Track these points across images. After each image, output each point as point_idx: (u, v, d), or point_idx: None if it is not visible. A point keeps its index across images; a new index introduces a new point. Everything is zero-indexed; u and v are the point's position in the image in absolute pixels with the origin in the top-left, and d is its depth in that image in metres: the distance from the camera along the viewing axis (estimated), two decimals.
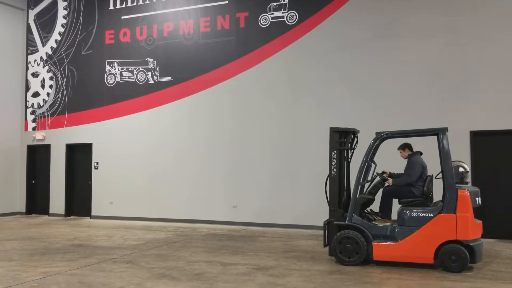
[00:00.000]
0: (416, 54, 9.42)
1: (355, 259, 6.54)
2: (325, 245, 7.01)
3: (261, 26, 10.82)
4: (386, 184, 7.06)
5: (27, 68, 13.93)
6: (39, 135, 13.55)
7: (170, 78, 11.89)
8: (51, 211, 13.27)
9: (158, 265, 6.72)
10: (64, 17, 13.43)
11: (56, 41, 13.50)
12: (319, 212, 9.99)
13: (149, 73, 12.16)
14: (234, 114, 11.06)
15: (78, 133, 12.99)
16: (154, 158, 11.93)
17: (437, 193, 7.36)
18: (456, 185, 6.33)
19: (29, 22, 14.00)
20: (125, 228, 10.63)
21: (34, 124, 13.72)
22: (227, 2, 11.22)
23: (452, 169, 6.32)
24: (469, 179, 6.78)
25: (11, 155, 13.58)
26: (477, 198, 6.40)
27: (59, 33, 13.47)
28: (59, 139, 13.29)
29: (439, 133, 6.48)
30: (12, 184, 13.55)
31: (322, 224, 7.08)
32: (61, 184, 13.14)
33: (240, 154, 10.94)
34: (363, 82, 9.83)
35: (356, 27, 9.92)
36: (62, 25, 13.43)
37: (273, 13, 10.68)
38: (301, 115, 10.35)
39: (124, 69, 12.50)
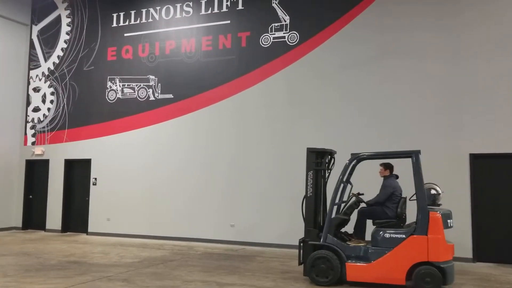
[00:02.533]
0: (416, 75, 9.49)
1: (329, 279, 6.55)
2: (299, 264, 7.05)
3: (263, 45, 10.92)
4: (361, 205, 7.14)
5: (28, 83, 14.00)
6: (38, 150, 13.53)
7: (171, 95, 11.93)
8: (47, 226, 13.16)
9: (154, 284, 6.63)
10: (67, 33, 13.55)
11: (58, 56, 13.59)
12: None
13: (150, 90, 12.21)
14: (234, 132, 11.07)
15: (77, 149, 12.97)
16: (152, 175, 11.89)
17: (412, 215, 7.24)
18: (429, 207, 6.41)
19: (32, 38, 14.12)
20: (121, 245, 10.52)
21: (33, 139, 13.71)
22: (229, 22, 11.34)
23: (424, 191, 6.39)
24: (441, 201, 6.78)
25: (9, 169, 13.53)
26: (449, 220, 6.44)
27: (62, 49, 13.57)
28: (58, 154, 13.26)
29: (412, 155, 6.55)
30: (9, 198, 13.47)
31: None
32: (59, 199, 13.06)
33: (239, 172, 10.91)
34: (363, 102, 9.87)
35: (358, 47, 10.01)
36: (65, 41, 13.54)
37: (275, 33, 10.79)
38: (302, 134, 10.36)
39: (126, 86, 12.56)
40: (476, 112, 8.99)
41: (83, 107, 13.05)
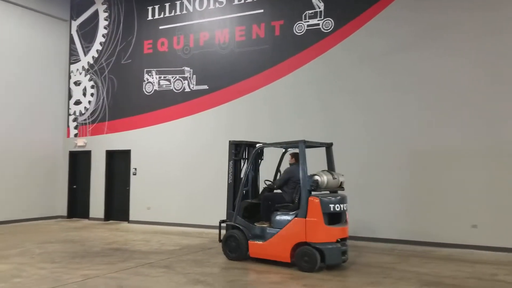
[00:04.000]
0: (457, 59, 9.21)
1: (237, 255, 7.47)
2: (219, 241, 7.95)
3: (296, 34, 10.86)
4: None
5: (69, 77, 14.49)
6: (80, 141, 14.05)
7: (206, 87, 12.08)
8: (91, 215, 13.70)
9: (193, 270, 6.82)
10: (105, 28, 13.91)
11: (97, 50, 13.99)
12: (361, 224, 9.88)
13: (186, 82, 12.40)
14: (269, 122, 11.11)
15: (118, 140, 13.37)
16: (190, 165, 12.12)
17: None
18: (315, 192, 6.96)
19: (71, 33, 14.57)
20: (162, 233, 10.83)
21: (76, 131, 14.23)
22: (262, 10, 11.33)
23: (306, 177, 6.91)
24: (326, 186, 7.05)
25: (54, 161, 14.12)
26: (331, 205, 6.81)
27: (100, 43, 13.95)
28: (99, 145, 13.72)
29: (299, 145, 7.12)
30: (54, 188, 14.07)
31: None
32: (101, 189, 13.55)
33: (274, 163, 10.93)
34: (399, 91, 9.68)
35: (394, 34, 9.79)
36: (103, 35, 13.91)
37: (309, 21, 10.70)
38: (336, 123, 10.28)
39: (162, 78, 12.80)
40: None
41: (122, 99, 13.41)
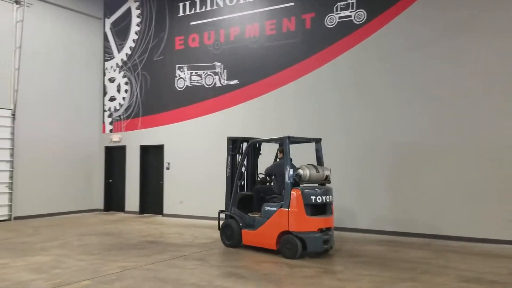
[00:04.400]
0: (492, 55, 8.90)
1: (232, 242, 8.10)
2: (218, 229, 8.52)
3: (328, 26, 10.74)
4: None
5: (104, 74, 14.84)
6: (115, 137, 14.39)
7: (236, 81, 12.13)
8: (126, 208, 14.04)
9: (227, 263, 6.90)
10: (137, 25, 14.15)
11: (130, 47, 14.26)
12: (389, 217, 9.75)
13: (216, 77, 12.49)
14: (299, 116, 11.06)
15: (151, 135, 13.62)
16: (221, 159, 12.19)
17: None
18: (298, 186, 7.35)
19: (105, 31, 14.90)
20: (195, 227, 10.99)
21: (111, 127, 14.59)
22: (293, 4, 11.25)
23: (288, 172, 7.33)
24: (309, 179, 7.44)
25: (91, 156, 14.53)
26: (312, 197, 7.22)
27: (133, 40, 14.21)
28: (133, 140, 14.02)
29: (283, 141, 7.62)
30: (92, 183, 14.49)
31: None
32: (136, 183, 13.86)
33: (306, 157, 10.86)
34: (433, 84, 9.43)
35: (428, 25, 9.54)
36: (136, 33, 14.16)
37: (340, 13, 10.57)
38: (368, 117, 10.14)
39: (193, 73, 12.94)
40: None
41: (155, 95, 13.64)
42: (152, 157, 13.77)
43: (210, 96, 12.55)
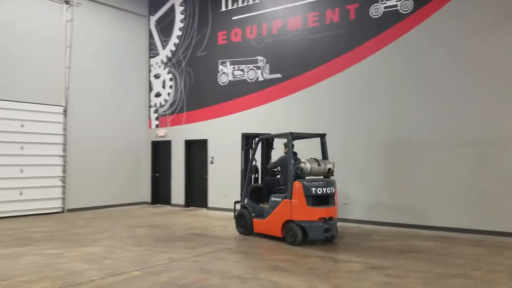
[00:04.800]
0: None
1: (245, 230, 8.81)
2: (234, 218, 9.21)
3: (373, 17, 10.48)
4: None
5: (149, 71, 15.20)
6: (161, 132, 14.72)
7: (279, 75, 12.09)
8: (172, 201, 14.36)
9: (271, 257, 6.92)
10: (181, 21, 14.37)
11: (174, 44, 14.51)
12: (438, 211, 9.45)
13: (259, 71, 12.49)
14: (345, 108, 10.89)
15: (195, 130, 13.83)
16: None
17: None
18: (302, 178, 7.93)
19: (150, 28, 15.24)
20: None
21: (157, 122, 14.94)
22: None
23: (292, 165, 7.90)
24: (310, 172, 7.95)
25: (138, 151, 14.96)
26: (313, 189, 7.73)
27: (177, 37, 14.45)
28: (178, 135, 14.29)
29: (287, 136, 8.18)
30: (139, 176, 14.92)
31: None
32: (181, 177, 14.14)
33: (351, 150, 10.74)
34: (486, 73, 9.02)
35: (480, 11, 9.12)
36: (180, 29, 14.39)
37: (386, 2, 10.28)
38: (417, 108, 9.84)
39: (236, 68, 13.00)
40: None
41: (198, 90, 13.83)
42: (196, 151, 13.99)
43: (253, 90, 12.57)
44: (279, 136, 8.79)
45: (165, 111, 14.71)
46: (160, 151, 14.95)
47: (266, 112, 12.27)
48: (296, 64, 11.72)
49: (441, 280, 5.60)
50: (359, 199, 10.58)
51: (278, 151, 9.63)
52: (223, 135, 13.16)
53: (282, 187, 8.32)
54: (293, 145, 8.28)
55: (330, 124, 11.04)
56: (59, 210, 12.60)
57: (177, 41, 14.44)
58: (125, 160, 14.47)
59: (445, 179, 9.39)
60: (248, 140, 9.48)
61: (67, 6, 13.01)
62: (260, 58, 12.49)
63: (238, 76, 12.92)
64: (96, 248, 7.60)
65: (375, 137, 10.38)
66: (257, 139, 9.19)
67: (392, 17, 10.19)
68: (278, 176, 8.89)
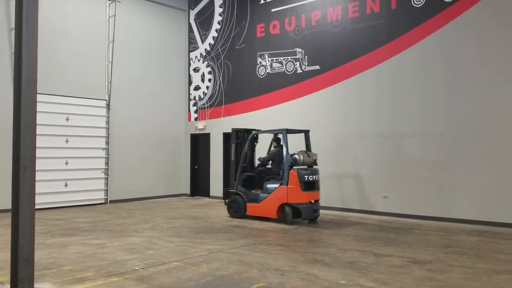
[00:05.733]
0: None
1: (238, 213, 10.02)
2: (224, 204, 10.47)
3: (415, 5, 10.17)
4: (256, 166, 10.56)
5: (189, 64, 15.38)
6: (200, 124, 14.90)
7: (317, 67, 11.95)
8: (211, 193, 14.53)
9: (310, 250, 6.89)
10: (220, 15, 14.44)
11: (213, 37, 14.61)
12: (479, 205, 9.12)
13: (297, 63, 12.39)
14: (384, 100, 10.65)
15: (233, 123, 13.89)
16: (303, 146, 12.14)
17: None
18: (295, 167, 9.38)
19: (190, 22, 15.40)
20: None
21: (196, 115, 15.13)
22: None
23: (288, 156, 9.35)
24: (302, 162, 9.48)
25: (178, 144, 15.22)
26: (305, 176, 9.28)
27: (216, 30, 14.54)
28: (217, 128, 14.42)
29: (283, 132, 9.58)
30: (179, 169, 15.19)
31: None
32: (219, 169, 14.27)
33: (391, 142, 10.51)
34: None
35: None
36: (218, 22, 14.47)
37: None
38: (460, 100, 9.49)
39: (274, 60, 12.95)
40: None
41: (237, 83, 13.89)
42: None
43: (291, 82, 12.50)
44: (273, 132, 10.04)
45: (204, 104, 14.86)
46: (199, 144, 15.15)
47: (304, 104, 12.17)
48: (335, 56, 11.54)
49: (485, 276, 5.40)
50: (399, 192, 10.35)
51: (262, 145, 11.07)
52: (261, 127, 13.12)
53: (275, 175, 9.80)
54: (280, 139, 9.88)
55: (367, 115, 10.84)
56: (102, 201, 13.02)
57: (215, 34, 14.53)
58: (165, 152, 14.76)
59: (493, 172, 9.03)
60: (239, 134, 10.62)
61: (110, 2, 13.34)
62: (298, 50, 12.39)
63: (276, 68, 12.87)
64: (138, 238, 7.80)
65: (418, 128, 10.10)
66: (252, 133, 10.28)
67: (435, 6, 9.84)
68: (268, 166, 10.26)
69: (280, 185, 9.38)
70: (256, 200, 9.87)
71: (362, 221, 9.85)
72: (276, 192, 9.43)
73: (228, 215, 10.33)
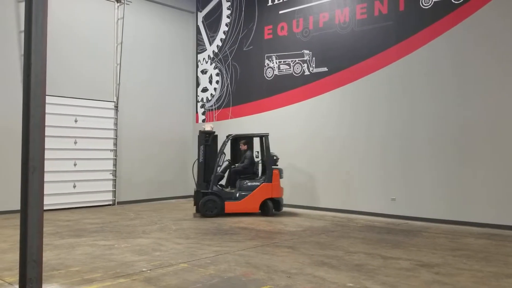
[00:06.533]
0: None
1: (214, 212, 10.48)
2: (194, 205, 10.85)
3: (423, 7, 10.12)
4: (232, 166, 11.43)
5: (197, 66, 15.43)
6: (208, 126, 14.83)
7: (325, 69, 11.93)
8: None
9: (317, 252, 6.87)
10: (227, 17, 14.48)
11: (221, 39, 14.65)
12: (488, 208, 9.04)
13: (305, 65, 12.38)
14: (393, 102, 10.61)
15: (241, 124, 13.92)
16: (310, 148, 12.15)
17: None
18: (273, 166, 10.75)
19: (198, 24, 15.45)
20: (284, 215, 11.05)
21: (203, 117, 15.17)
22: None
23: (271, 158, 10.75)
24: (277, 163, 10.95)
25: (186, 145, 15.26)
26: (281, 174, 10.81)
27: (224, 32, 14.58)
28: (224, 130, 14.41)
29: (264, 136, 10.95)
30: (186, 170, 15.21)
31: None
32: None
33: (400, 144, 10.46)
34: None
35: None
36: (226, 24, 14.50)
37: None
38: (472, 101, 9.42)
39: (282, 62, 12.95)
40: None
41: (244, 85, 13.90)
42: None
43: (299, 84, 12.49)
44: (255, 136, 11.36)
45: (211, 105, 14.90)
46: (207, 146, 15.11)
47: (312, 106, 12.16)
48: (343, 58, 11.52)
49: (494, 279, 5.35)
50: (406, 195, 10.29)
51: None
52: (269, 129, 13.13)
53: (251, 175, 11.06)
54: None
55: (380, 116, 10.80)
56: (110, 202, 13.08)
57: (223, 36, 14.56)
58: (172, 154, 14.80)
59: (504, 175, 8.95)
60: (207, 137, 11.10)
61: (118, 4, 13.43)
62: (306, 52, 12.38)
63: (284, 70, 12.87)
64: (145, 240, 7.83)
65: (426, 129, 10.04)
66: (230, 137, 11.20)
67: (444, 8, 9.79)
68: (235, 167, 11.29)
69: (264, 182, 10.64)
70: (235, 198, 10.66)
71: (370, 223, 9.81)
72: (260, 189, 10.61)
73: (198, 215, 10.68)
